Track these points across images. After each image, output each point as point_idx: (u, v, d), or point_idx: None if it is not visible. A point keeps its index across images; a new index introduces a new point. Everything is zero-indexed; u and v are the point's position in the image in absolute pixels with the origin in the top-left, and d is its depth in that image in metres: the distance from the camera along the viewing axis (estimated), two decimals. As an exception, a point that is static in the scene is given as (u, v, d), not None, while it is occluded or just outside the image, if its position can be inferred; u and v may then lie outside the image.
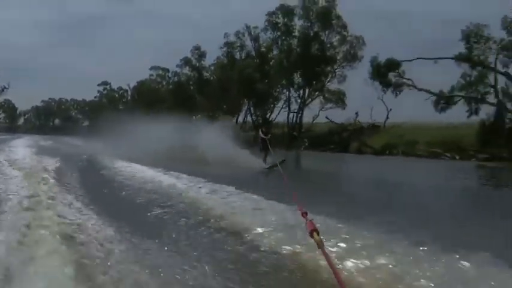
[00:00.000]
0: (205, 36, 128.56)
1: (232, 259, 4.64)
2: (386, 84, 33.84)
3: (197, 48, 53.25)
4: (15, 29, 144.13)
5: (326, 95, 41.76)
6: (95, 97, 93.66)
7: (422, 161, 25.77)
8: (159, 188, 9.58)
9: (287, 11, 39.28)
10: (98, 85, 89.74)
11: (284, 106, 43.28)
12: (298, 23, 39.57)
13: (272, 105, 43.97)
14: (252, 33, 45.12)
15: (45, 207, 6.19)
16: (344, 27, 38.59)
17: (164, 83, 64.82)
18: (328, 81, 40.44)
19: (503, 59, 29.38)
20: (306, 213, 3.18)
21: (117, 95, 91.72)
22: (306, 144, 35.33)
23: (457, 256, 4.12)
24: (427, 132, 30.09)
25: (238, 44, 47.10)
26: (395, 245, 4.56)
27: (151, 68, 66.07)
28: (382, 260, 4.24)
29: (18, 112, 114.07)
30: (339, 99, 41.44)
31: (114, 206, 7.35)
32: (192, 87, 54.53)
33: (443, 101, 31.61)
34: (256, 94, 42.15)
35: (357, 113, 38.62)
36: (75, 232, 4.91)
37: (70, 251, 4.31)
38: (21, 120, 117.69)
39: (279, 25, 39.88)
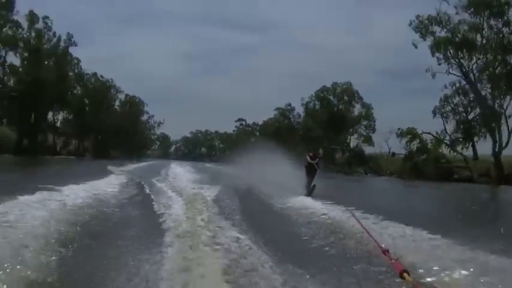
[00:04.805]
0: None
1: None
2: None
3: (288, 104, 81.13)
4: (162, 61, 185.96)
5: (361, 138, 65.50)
6: (233, 130, 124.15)
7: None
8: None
9: (325, 89, 65.40)
10: (235, 121, 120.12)
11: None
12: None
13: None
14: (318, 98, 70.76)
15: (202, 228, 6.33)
16: (361, 98, 62.93)
17: (286, 121, 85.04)
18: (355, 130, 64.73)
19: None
20: (388, 251, 2.88)
21: (250, 129, 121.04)
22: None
23: None
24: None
25: (311, 104, 72.42)
26: None
27: (276, 109, 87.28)
28: None
29: (171, 141, 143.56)
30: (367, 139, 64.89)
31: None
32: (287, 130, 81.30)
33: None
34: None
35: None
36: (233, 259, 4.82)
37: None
38: (172, 148, 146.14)
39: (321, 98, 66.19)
